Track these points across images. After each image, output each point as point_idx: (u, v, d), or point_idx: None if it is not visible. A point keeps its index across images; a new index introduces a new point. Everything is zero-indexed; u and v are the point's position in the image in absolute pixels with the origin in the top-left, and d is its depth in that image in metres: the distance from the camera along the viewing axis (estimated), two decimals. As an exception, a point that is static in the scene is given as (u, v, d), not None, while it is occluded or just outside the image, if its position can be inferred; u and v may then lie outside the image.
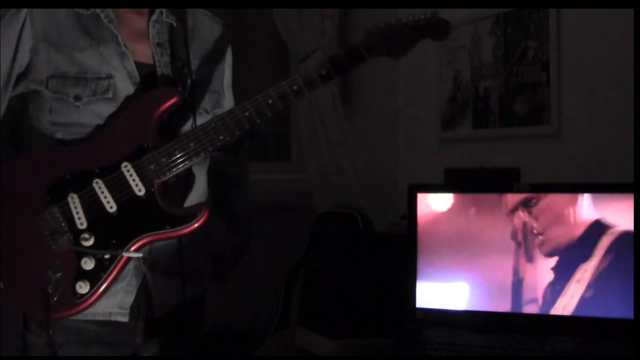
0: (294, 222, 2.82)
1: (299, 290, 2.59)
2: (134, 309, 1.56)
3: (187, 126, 1.57)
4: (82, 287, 1.43)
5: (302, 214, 2.84)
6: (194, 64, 1.62)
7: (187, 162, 1.49)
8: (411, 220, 1.71)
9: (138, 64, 1.55)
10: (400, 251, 1.75)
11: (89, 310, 1.46)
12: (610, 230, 1.57)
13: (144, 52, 1.57)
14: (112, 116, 1.52)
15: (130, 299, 1.53)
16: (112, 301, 1.50)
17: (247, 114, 1.50)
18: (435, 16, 1.58)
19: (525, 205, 1.64)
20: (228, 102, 1.77)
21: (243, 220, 1.88)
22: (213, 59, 1.68)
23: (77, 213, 1.45)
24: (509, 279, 1.63)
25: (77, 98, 1.50)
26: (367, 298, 1.88)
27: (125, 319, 1.53)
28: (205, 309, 1.76)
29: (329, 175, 2.85)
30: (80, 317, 1.47)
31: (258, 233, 2.88)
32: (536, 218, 1.63)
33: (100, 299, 1.46)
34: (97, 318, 1.50)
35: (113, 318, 1.51)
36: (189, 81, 1.57)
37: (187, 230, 1.47)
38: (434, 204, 1.69)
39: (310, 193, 2.92)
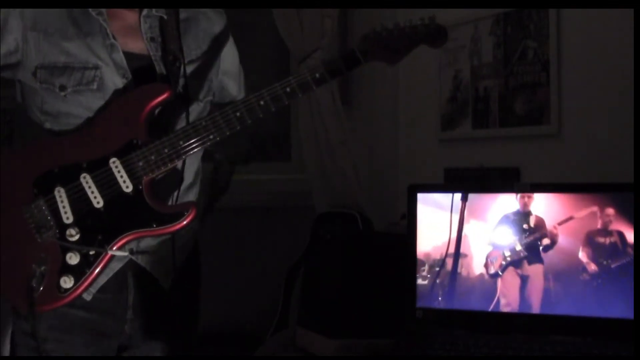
0: (294, 222, 2.82)
1: (298, 290, 2.59)
2: (122, 296, 1.56)
3: (181, 118, 1.56)
4: (67, 282, 1.44)
5: (302, 214, 2.84)
6: (191, 54, 1.61)
7: (175, 161, 1.49)
8: (411, 220, 1.71)
9: (132, 55, 1.54)
10: (400, 251, 1.75)
11: None
12: (611, 230, 1.57)
13: (137, 45, 1.56)
14: (102, 110, 1.51)
15: (102, 280, 1.52)
16: None
17: (238, 114, 1.49)
18: (433, 22, 1.56)
19: (525, 204, 1.64)
20: (231, 88, 1.75)
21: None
22: (211, 48, 1.67)
23: (64, 207, 1.45)
24: (509, 279, 1.63)
25: (62, 88, 1.50)
26: (367, 298, 1.88)
27: (88, 297, 1.51)
28: (201, 305, 1.76)
29: (329, 175, 2.85)
30: None
31: (258, 233, 2.90)
32: (535, 218, 1.63)
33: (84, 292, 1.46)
34: None
35: None
36: (181, 74, 1.56)
37: (173, 229, 1.47)
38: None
39: (310, 193, 2.92)
